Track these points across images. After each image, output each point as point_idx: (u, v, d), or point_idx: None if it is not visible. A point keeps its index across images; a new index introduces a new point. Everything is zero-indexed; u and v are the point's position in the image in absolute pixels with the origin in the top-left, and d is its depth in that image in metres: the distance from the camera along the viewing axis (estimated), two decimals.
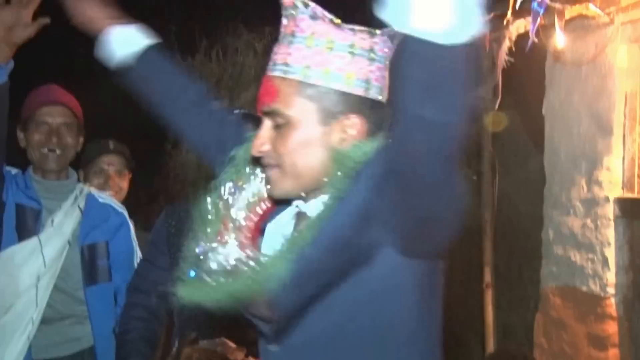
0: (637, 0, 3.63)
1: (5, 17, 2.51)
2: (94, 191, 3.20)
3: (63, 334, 2.80)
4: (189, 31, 7.31)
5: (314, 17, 1.45)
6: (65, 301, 2.82)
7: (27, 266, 2.94)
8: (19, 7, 2.51)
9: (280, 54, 1.45)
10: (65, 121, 2.94)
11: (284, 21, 1.49)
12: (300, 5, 1.45)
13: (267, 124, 1.47)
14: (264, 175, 1.66)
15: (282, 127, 1.47)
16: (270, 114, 1.46)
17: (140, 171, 4.01)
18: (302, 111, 1.43)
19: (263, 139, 1.52)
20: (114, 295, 3.02)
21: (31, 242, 2.93)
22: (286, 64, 1.45)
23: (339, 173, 1.39)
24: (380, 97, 1.49)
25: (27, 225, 2.96)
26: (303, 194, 1.53)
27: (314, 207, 1.48)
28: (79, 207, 3.06)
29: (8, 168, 2.95)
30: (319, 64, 1.45)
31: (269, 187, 1.59)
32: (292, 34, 1.46)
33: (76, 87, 3.27)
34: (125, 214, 3.21)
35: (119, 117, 6.04)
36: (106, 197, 3.25)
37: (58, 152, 2.91)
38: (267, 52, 5.61)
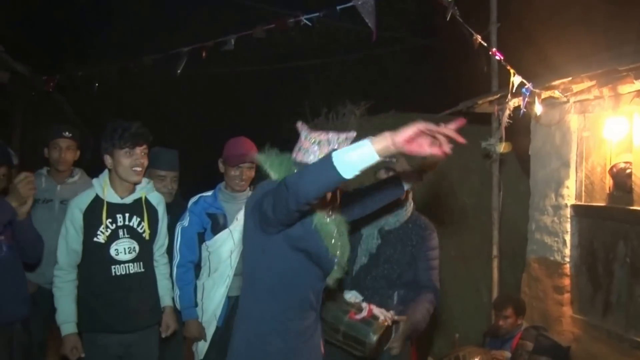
0: (584, 89, 4.68)
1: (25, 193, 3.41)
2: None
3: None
4: (317, 101, 8.22)
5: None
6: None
7: (225, 246, 3.92)
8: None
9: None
10: (249, 167, 3.91)
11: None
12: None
13: None
14: None
15: None
16: None
17: None
18: None
19: None
20: None
21: (225, 232, 3.93)
22: None
23: None
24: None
25: (219, 223, 3.93)
26: None
27: None
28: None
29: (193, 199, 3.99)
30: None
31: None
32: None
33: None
34: None
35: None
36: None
37: (243, 183, 3.94)
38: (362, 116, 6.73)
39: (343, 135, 2.46)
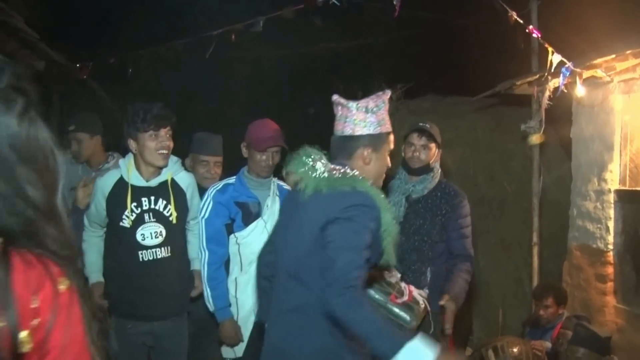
0: (628, 67, 4.55)
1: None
2: (279, 181, 3.82)
3: None
4: (352, 89, 8.00)
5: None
6: None
7: (260, 236, 3.54)
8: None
9: None
10: (276, 151, 3.66)
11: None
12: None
13: None
14: None
15: None
16: None
17: None
18: None
19: None
20: None
21: (260, 222, 3.67)
22: None
23: None
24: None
25: (252, 212, 3.66)
26: None
27: None
28: (276, 194, 3.76)
29: (229, 182, 3.71)
30: None
31: None
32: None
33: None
34: None
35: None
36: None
37: (270, 164, 3.66)
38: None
39: (380, 99, 2.55)
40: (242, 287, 3.66)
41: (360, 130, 2.52)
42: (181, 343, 3.71)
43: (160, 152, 3.47)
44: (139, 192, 3.53)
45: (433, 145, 3.67)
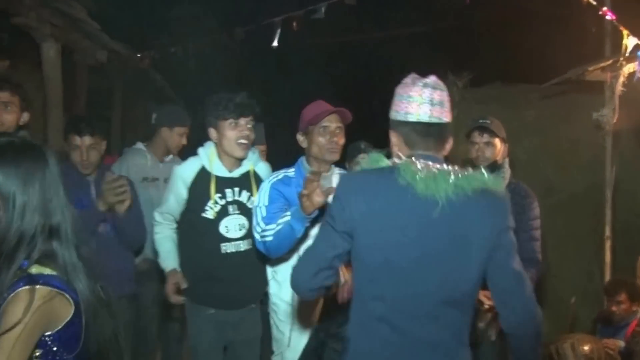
0: None
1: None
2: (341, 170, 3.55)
3: None
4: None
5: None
6: None
7: None
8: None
9: None
10: (338, 129, 3.31)
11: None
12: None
13: None
14: None
15: None
16: None
17: None
18: None
19: None
20: None
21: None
22: None
23: None
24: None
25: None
26: None
27: None
28: None
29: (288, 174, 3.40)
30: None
31: None
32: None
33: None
34: None
35: None
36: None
37: (336, 140, 3.29)
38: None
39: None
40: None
41: (448, 117, 2.21)
42: (257, 329, 3.70)
43: (239, 141, 3.40)
44: (222, 183, 3.47)
45: (497, 141, 3.60)
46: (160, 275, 3.74)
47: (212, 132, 3.42)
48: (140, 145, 4.65)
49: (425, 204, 2.03)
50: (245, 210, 3.50)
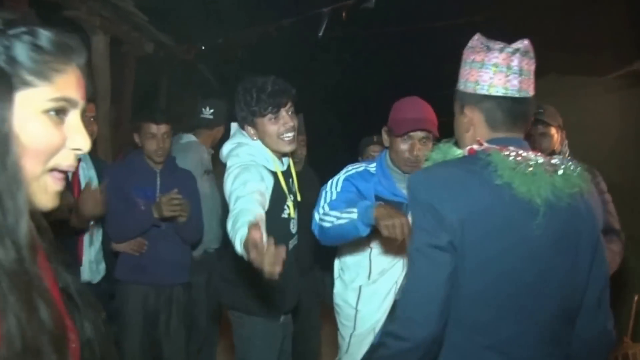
0: None
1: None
2: None
3: None
4: None
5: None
6: None
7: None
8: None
9: None
10: (424, 138, 2.97)
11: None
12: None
13: None
14: None
15: None
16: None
17: None
18: None
19: None
20: None
21: None
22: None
23: None
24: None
25: None
26: None
27: None
28: None
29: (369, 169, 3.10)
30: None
31: None
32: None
33: None
34: None
35: None
36: None
37: (415, 163, 2.93)
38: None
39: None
40: (366, 299, 3.14)
41: (533, 90, 1.87)
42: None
43: (284, 136, 2.95)
44: (285, 177, 3.08)
45: (552, 130, 3.50)
46: (211, 267, 3.99)
47: (250, 131, 2.97)
48: (192, 137, 4.61)
49: (526, 207, 1.70)
50: (297, 203, 3.18)
